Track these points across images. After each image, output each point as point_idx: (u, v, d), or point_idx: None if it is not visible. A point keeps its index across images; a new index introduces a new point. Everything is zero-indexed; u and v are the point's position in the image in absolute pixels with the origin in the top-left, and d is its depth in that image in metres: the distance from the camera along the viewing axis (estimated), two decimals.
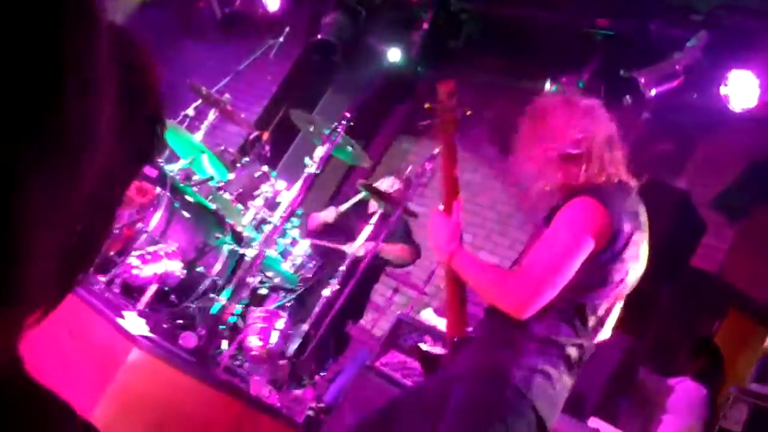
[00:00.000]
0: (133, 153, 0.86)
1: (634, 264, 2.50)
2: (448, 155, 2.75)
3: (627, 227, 2.42)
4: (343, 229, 5.62)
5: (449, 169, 2.74)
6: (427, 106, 2.87)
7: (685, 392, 4.73)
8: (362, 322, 6.21)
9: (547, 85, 6.09)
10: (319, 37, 7.57)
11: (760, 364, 3.43)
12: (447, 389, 2.49)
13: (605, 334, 2.69)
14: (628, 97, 5.55)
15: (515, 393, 2.35)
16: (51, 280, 0.61)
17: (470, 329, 2.66)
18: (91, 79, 0.57)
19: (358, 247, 5.16)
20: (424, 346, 3.11)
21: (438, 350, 2.82)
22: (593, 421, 3.63)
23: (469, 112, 2.84)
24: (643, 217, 2.55)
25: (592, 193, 2.43)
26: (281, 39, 6.34)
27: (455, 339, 2.63)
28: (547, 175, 2.58)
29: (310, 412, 4.27)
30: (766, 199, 5.73)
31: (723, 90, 5.27)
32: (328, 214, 5.77)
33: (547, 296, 2.36)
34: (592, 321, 2.47)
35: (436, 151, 4.83)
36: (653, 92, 5.47)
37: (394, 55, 7.31)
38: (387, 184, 5.74)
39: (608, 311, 2.55)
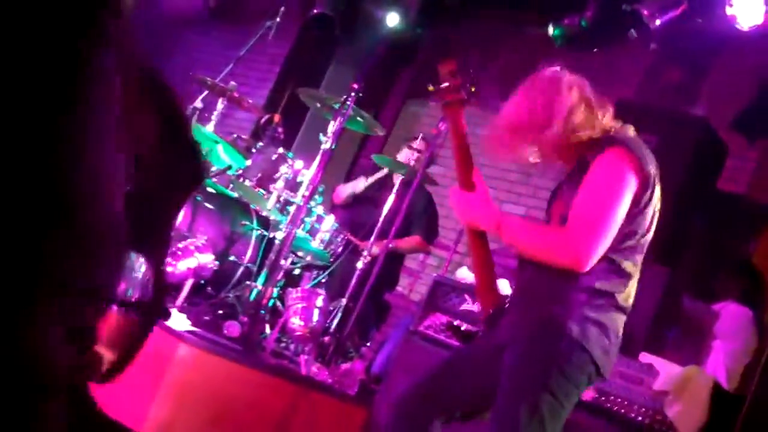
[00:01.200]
0: (183, 179, 0.88)
1: (658, 204, 2.55)
2: (456, 134, 2.73)
3: (653, 170, 2.47)
4: (371, 199, 5.62)
5: (460, 147, 2.72)
6: (430, 88, 2.85)
7: (731, 316, 4.71)
8: (399, 288, 6.22)
9: (550, 29, 6.02)
10: (315, 11, 7.52)
11: None
12: (498, 358, 2.50)
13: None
14: (633, 30, 5.49)
15: (572, 344, 2.38)
16: None
17: (506, 299, 2.67)
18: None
19: (372, 246, 5.10)
20: (458, 324, 3.12)
21: (472, 327, 2.82)
22: (644, 357, 3.62)
23: (473, 89, 2.82)
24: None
25: (619, 143, 2.46)
26: (278, 19, 6.28)
27: (491, 310, 2.63)
28: (561, 151, 2.61)
29: (362, 384, 4.29)
30: None
31: (729, 10, 5.20)
32: (358, 184, 5.76)
33: (603, 247, 2.38)
34: (636, 265, 2.51)
35: (437, 95, 4.83)
36: (658, 22, 5.41)
37: (392, 19, 7.24)
38: (405, 154, 5.71)
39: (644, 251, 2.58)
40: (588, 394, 3.59)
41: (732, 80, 5.99)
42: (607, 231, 2.36)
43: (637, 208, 2.43)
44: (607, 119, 2.57)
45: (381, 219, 4.98)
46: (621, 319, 2.49)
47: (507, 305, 2.63)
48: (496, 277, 2.71)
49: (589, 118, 2.54)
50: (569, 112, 2.53)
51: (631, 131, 2.60)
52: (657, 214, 2.56)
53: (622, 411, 3.47)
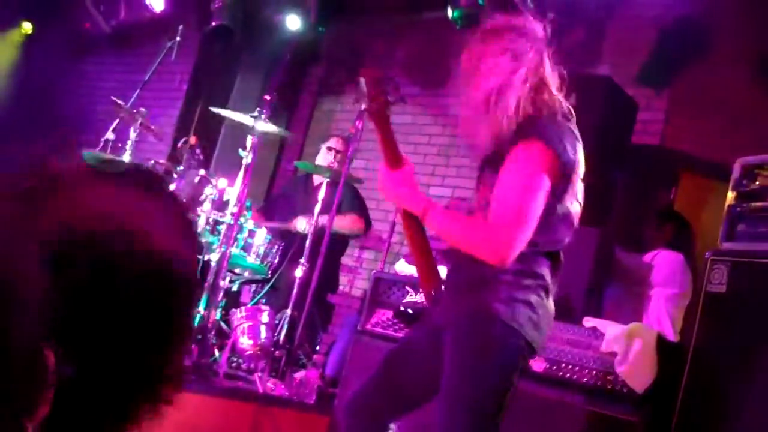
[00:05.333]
0: None
1: (581, 176, 2.58)
2: (384, 137, 2.71)
3: (571, 155, 2.47)
4: (300, 206, 5.62)
5: (387, 147, 2.71)
6: (362, 106, 2.84)
7: (663, 262, 4.84)
8: (339, 287, 6.25)
9: (449, 12, 6.09)
10: (213, 24, 7.45)
11: (726, 222, 3.53)
12: (437, 340, 2.55)
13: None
14: (528, 1, 5.58)
15: (502, 327, 2.43)
16: None
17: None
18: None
19: (305, 223, 5.13)
20: (405, 309, 3.14)
21: (419, 304, 2.85)
22: (587, 321, 3.72)
23: (399, 97, 2.81)
24: (576, 130, 2.59)
25: (536, 135, 2.45)
26: (178, 38, 6.22)
27: (432, 292, 2.66)
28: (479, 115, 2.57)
29: (319, 390, 4.32)
30: (685, 61, 5.84)
31: None
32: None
33: (523, 242, 2.40)
34: (563, 242, 2.58)
35: (363, 107, 4.86)
36: None
37: (293, 22, 7.23)
38: (324, 156, 5.72)
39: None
40: (539, 366, 3.68)
41: (631, 35, 6.15)
42: (526, 228, 2.39)
43: (554, 197, 2.46)
44: (544, 96, 2.54)
45: (313, 223, 5.00)
46: (549, 299, 2.55)
47: (446, 287, 2.67)
48: (434, 259, 2.74)
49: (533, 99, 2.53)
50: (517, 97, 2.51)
51: (563, 109, 2.59)
52: (581, 186, 2.60)
53: (575, 377, 3.56)
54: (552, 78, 2.59)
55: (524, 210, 2.40)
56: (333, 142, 5.75)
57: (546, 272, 2.53)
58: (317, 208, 4.97)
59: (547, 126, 2.49)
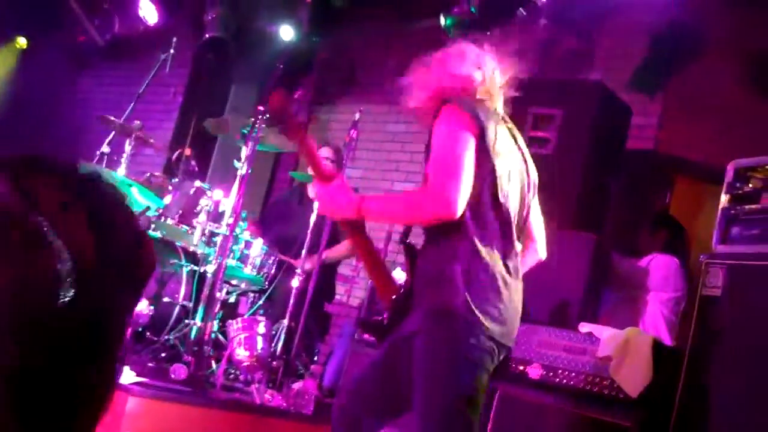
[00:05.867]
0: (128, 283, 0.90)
1: (514, 160, 2.67)
2: (308, 153, 2.83)
3: (490, 122, 2.57)
4: (295, 215, 5.63)
5: (312, 161, 2.82)
6: (279, 129, 2.97)
7: (659, 266, 4.85)
8: (336, 296, 6.25)
9: (442, 20, 6.10)
10: (207, 36, 7.47)
11: (720, 224, 3.54)
12: (408, 348, 2.56)
13: (541, 252, 2.89)
14: (521, 9, 5.61)
15: (464, 324, 2.45)
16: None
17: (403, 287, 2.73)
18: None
19: (309, 265, 5.13)
20: (365, 319, 3.19)
21: (380, 317, 2.88)
22: (583, 326, 3.72)
23: (313, 120, 2.98)
24: (511, 125, 2.74)
25: (450, 102, 2.58)
26: (172, 50, 6.23)
27: (391, 301, 2.70)
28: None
29: (317, 401, 4.31)
30: (678, 66, 5.86)
31: None
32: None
33: (464, 188, 2.44)
34: (510, 225, 2.61)
35: (357, 116, 4.88)
36: None
37: (286, 32, 7.25)
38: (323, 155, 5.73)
39: (519, 216, 2.69)
40: (535, 372, 3.68)
41: (623, 41, 6.16)
42: (460, 176, 2.43)
43: (479, 153, 2.52)
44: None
45: (309, 233, 5.00)
46: (508, 288, 2.56)
47: (404, 293, 2.69)
48: (385, 267, 2.82)
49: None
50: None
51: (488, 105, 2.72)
52: (514, 172, 2.66)
53: (571, 383, 3.56)
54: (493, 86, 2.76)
55: (454, 160, 2.46)
56: (324, 152, 5.77)
57: (500, 262, 2.55)
58: (313, 215, 4.97)
59: (463, 99, 2.63)
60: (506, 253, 2.59)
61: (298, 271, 4.83)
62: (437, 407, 2.48)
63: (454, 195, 2.41)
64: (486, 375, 2.53)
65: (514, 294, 2.59)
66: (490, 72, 2.76)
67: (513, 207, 2.63)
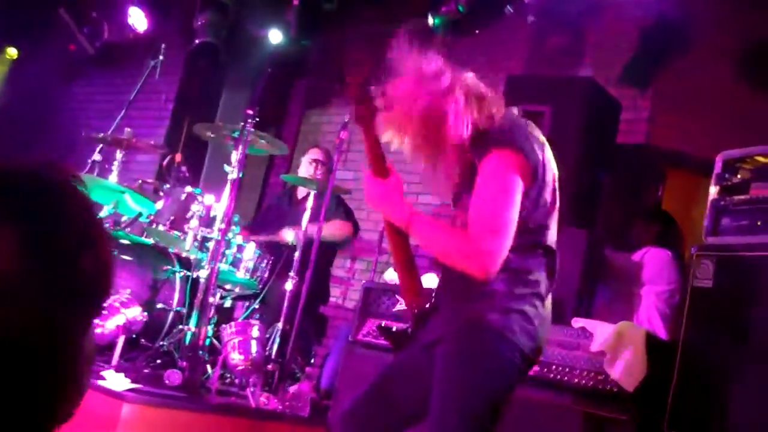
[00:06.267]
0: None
1: (554, 173, 2.57)
2: (371, 141, 2.66)
3: (539, 154, 2.47)
4: (288, 218, 5.62)
5: (374, 152, 2.65)
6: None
7: (653, 259, 4.84)
8: (332, 298, 6.24)
9: (430, 20, 6.10)
10: (197, 42, 7.47)
11: (710, 216, 3.54)
12: (429, 355, 2.51)
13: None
14: (508, 6, 5.61)
15: (496, 337, 2.39)
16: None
17: (431, 298, 2.66)
18: None
19: (293, 235, 5.14)
20: (387, 325, 3.12)
21: (402, 325, 2.81)
22: (576, 321, 3.72)
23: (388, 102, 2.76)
24: (537, 131, 2.58)
25: (503, 144, 2.44)
26: (161, 57, 6.24)
27: (416, 310, 2.63)
28: (438, 148, 2.55)
29: (313, 403, 4.30)
30: (668, 59, 5.86)
31: None
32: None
33: (505, 251, 2.37)
34: (548, 246, 2.53)
35: (347, 118, 4.87)
36: None
37: (275, 36, 7.25)
38: (307, 168, 5.74)
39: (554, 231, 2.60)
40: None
41: (614, 37, 6.17)
42: (505, 236, 2.36)
43: (529, 199, 2.45)
44: (490, 106, 2.53)
45: (301, 234, 5.00)
46: (542, 306, 2.51)
47: (433, 301, 2.64)
48: (418, 273, 2.70)
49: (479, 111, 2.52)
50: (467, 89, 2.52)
51: (514, 114, 2.60)
52: (556, 184, 2.58)
53: (566, 378, 3.56)
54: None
55: (500, 217, 2.37)
56: (314, 154, 5.77)
57: (539, 277, 2.49)
58: (305, 216, 4.98)
59: (512, 131, 2.49)
60: (548, 261, 2.53)
61: (291, 273, 4.82)
62: (457, 412, 2.41)
63: (494, 265, 2.35)
64: (511, 386, 2.48)
65: (547, 313, 2.54)
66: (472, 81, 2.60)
67: (554, 225, 2.57)
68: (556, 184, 2.58)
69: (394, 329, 2.86)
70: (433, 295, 2.68)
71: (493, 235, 2.36)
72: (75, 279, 0.83)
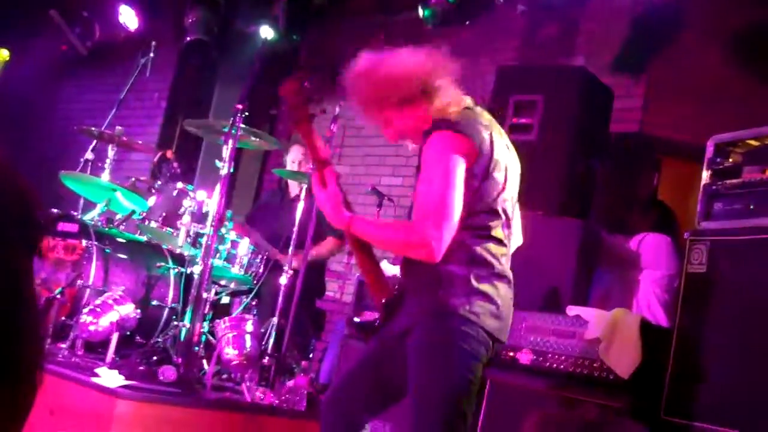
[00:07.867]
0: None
1: (509, 161, 2.65)
2: (310, 145, 2.76)
3: (486, 135, 2.55)
4: (281, 211, 5.61)
5: (314, 154, 2.76)
6: (273, 113, 2.92)
7: (651, 244, 4.82)
8: (329, 293, 6.23)
9: (420, 11, 6.08)
10: (188, 39, 7.45)
11: (702, 201, 3.52)
12: (401, 345, 2.58)
13: (517, 239, 2.84)
14: None
15: (461, 320, 2.48)
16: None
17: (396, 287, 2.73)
18: None
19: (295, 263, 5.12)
20: (356, 319, 3.18)
21: (372, 316, 2.88)
22: (571, 309, 3.71)
23: (322, 111, 2.90)
24: (490, 120, 2.66)
25: (440, 127, 2.53)
26: (151, 54, 6.22)
27: (384, 301, 2.70)
28: (397, 126, 2.69)
29: (310, 397, 4.28)
30: (660, 47, 5.84)
31: None
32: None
33: (450, 232, 2.44)
34: (504, 230, 2.61)
35: (337, 110, 4.85)
36: None
37: (266, 32, 7.22)
38: (292, 158, 5.71)
39: (510, 215, 2.67)
40: (525, 358, 3.67)
41: (606, 25, 6.14)
42: (448, 219, 2.43)
43: (476, 180, 2.51)
44: (449, 99, 2.61)
45: (295, 229, 4.97)
46: (504, 286, 2.59)
47: (398, 290, 2.70)
48: (381, 270, 2.78)
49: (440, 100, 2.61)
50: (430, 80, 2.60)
51: (471, 107, 2.66)
52: (510, 170, 2.64)
53: (561, 367, 3.55)
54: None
55: (442, 201, 2.44)
56: (295, 155, 5.72)
57: (496, 253, 2.57)
58: (299, 210, 4.94)
59: (459, 118, 2.57)
60: (502, 253, 2.61)
61: (286, 268, 4.80)
62: (433, 398, 2.50)
63: (439, 246, 2.42)
64: (481, 366, 2.56)
65: (508, 291, 2.63)
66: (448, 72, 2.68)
67: (509, 208, 2.64)
68: (510, 172, 2.65)
69: (363, 323, 2.95)
70: (396, 285, 2.74)
71: (435, 220, 2.42)
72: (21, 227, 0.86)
